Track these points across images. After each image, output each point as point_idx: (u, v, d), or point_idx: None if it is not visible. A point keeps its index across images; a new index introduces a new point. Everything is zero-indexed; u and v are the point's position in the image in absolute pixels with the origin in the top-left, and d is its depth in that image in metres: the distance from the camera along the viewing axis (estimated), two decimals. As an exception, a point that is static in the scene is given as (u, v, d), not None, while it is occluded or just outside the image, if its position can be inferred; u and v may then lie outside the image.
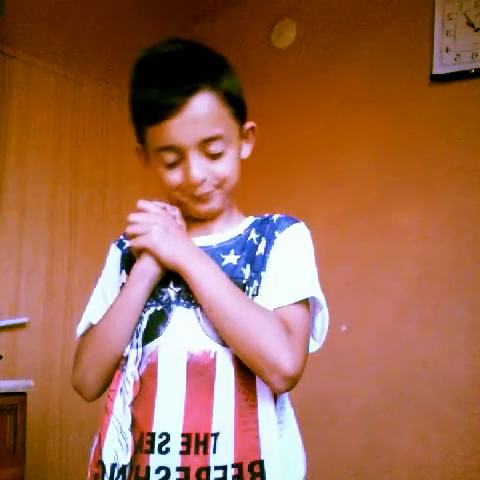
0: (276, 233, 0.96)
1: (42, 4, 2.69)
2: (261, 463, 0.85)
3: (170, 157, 0.93)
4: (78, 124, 2.79)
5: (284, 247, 0.95)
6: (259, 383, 0.87)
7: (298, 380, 0.86)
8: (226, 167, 0.95)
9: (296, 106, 2.81)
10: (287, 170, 2.77)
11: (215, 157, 0.94)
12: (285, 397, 0.94)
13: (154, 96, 0.90)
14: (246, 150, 1.03)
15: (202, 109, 0.90)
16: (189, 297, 0.91)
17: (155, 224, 0.91)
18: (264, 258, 0.94)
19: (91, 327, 0.98)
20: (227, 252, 0.96)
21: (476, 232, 2.27)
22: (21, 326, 2.48)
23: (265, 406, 0.88)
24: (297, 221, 0.99)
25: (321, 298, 0.92)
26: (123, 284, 0.98)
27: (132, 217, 0.93)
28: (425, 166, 2.42)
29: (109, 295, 1.00)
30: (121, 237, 1.06)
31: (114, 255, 1.05)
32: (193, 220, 1.01)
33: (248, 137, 1.02)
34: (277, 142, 2.82)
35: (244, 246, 0.96)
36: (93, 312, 1.00)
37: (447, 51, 2.39)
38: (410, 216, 2.43)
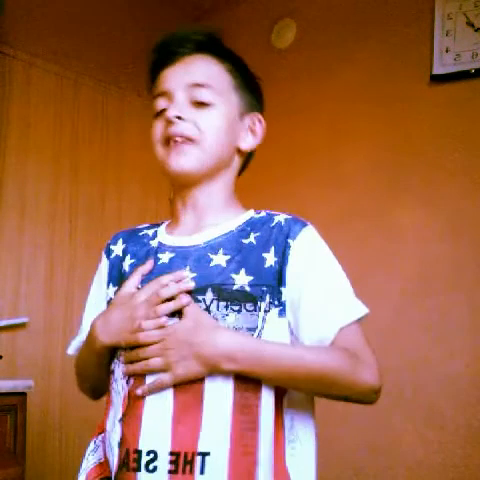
0: (290, 241, 0.88)
1: (42, 4, 2.69)
2: None
3: (161, 103, 0.95)
4: (78, 124, 2.79)
5: (308, 260, 0.89)
6: (264, 406, 0.83)
7: None
8: (209, 120, 0.92)
9: (296, 106, 2.81)
10: (287, 170, 2.77)
11: (200, 106, 0.92)
12: (295, 415, 0.88)
13: (160, 48, 0.99)
14: (249, 141, 0.99)
15: (197, 62, 0.96)
16: (178, 310, 0.85)
17: (176, 347, 0.81)
18: (282, 271, 0.87)
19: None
20: (216, 251, 0.89)
21: (476, 233, 2.27)
22: (21, 326, 2.48)
23: (268, 431, 0.82)
24: (306, 223, 0.92)
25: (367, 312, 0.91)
26: (111, 299, 0.95)
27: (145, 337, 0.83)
28: (425, 166, 2.42)
29: (98, 310, 0.98)
30: (109, 241, 1.03)
31: (103, 267, 1.01)
32: (187, 212, 0.97)
33: (253, 129, 1.00)
34: (277, 142, 2.82)
35: (238, 248, 0.89)
36: (85, 330, 0.99)
37: (447, 51, 2.39)
38: (410, 217, 2.43)
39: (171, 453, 0.79)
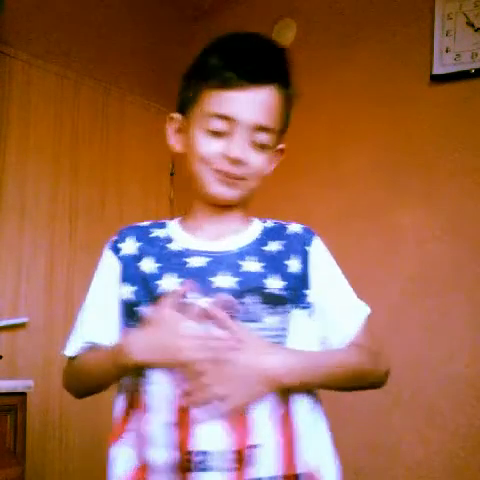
0: (307, 248, 0.97)
1: (42, 4, 2.69)
2: (308, 476, 0.87)
3: (219, 125, 0.92)
4: (78, 124, 2.79)
5: (324, 266, 0.99)
6: (297, 400, 0.90)
7: None
8: (261, 163, 0.96)
9: (295, 106, 2.81)
10: (287, 170, 2.76)
11: (257, 148, 0.94)
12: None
13: (239, 63, 0.92)
14: (271, 168, 1.03)
15: (271, 100, 0.94)
16: (224, 306, 0.88)
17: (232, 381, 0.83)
18: (304, 276, 0.95)
19: (82, 356, 0.98)
20: (247, 257, 0.94)
21: (476, 233, 2.27)
22: (21, 326, 2.48)
23: (302, 423, 0.89)
24: (314, 232, 1.02)
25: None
26: (128, 301, 0.94)
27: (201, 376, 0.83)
28: (425, 166, 2.42)
29: (106, 310, 0.97)
30: (115, 238, 1.00)
31: (110, 264, 0.98)
32: (209, 215, 0.99)
33: (278, 158, 1.04)
34: (277, 142, 2.82)
35: (263, 255, 0.95)
36: (90, 331, 0.98)
37: (447, 51, 2.39)
38: (410, 217, 2.43)
39: (226, 451, 0.83)
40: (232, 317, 0.86)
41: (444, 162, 2.37)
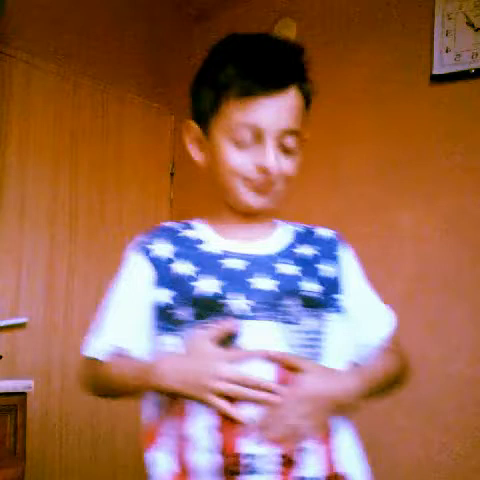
0: (338, 253, 1.01)
1: (42, 4, 2.69)
2: (342, 477, 0.90)
3: (247, 135, 0.91)
4: (78, 124, 2.79)
5: (354, 271, 1.04)
6: None
7: None
8: (292, 166, 0.97)
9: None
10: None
11: (287, 153, 0.94)
12: None
13: (260, 70, 0.90)
14: None
15: (293, 101, 0.93)
16: (265, 308, 0.88)
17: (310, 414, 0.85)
18: (337, 281, 0.98)
19: (107, 362, 0.93)
20: (280, 261, 0.94)
21: (476, 232, 2.27)
22: (21, 326, 2.48)
23: (336, 422, 0.91)
24: (343, 237, 1.04)
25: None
26: (163, 305, 0.91)
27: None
28: (425, 166, 2.42)
29: (136, 314, 0.93)
30: (143, 239, 0.97)
31: (140, 267, 0.95)
32: (239, 221, 0.98)
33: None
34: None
35: (298, 259, 0.96)
36: (117, 334, 0.94)
37: (447, 51, 2.39)
38: (410, 217, 2.43)
39: (274, 454, 0.83)
40: (272, 318, 0.87)
41: (444, 162, 2.37)
